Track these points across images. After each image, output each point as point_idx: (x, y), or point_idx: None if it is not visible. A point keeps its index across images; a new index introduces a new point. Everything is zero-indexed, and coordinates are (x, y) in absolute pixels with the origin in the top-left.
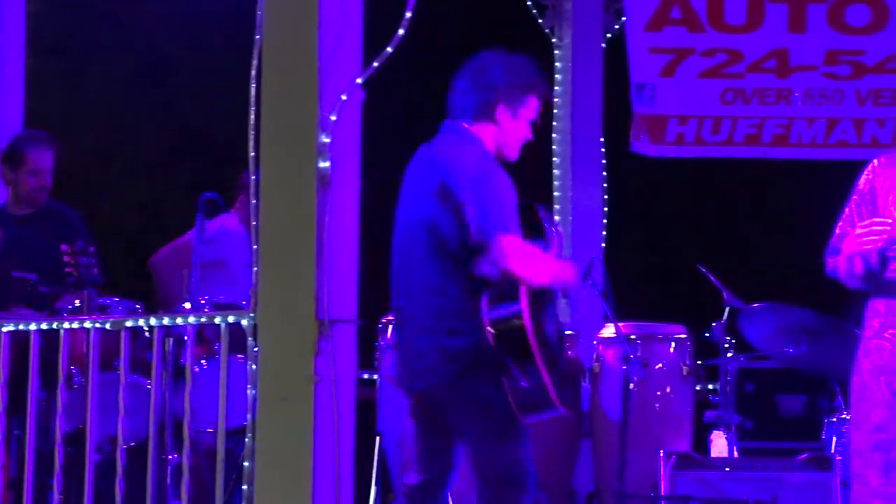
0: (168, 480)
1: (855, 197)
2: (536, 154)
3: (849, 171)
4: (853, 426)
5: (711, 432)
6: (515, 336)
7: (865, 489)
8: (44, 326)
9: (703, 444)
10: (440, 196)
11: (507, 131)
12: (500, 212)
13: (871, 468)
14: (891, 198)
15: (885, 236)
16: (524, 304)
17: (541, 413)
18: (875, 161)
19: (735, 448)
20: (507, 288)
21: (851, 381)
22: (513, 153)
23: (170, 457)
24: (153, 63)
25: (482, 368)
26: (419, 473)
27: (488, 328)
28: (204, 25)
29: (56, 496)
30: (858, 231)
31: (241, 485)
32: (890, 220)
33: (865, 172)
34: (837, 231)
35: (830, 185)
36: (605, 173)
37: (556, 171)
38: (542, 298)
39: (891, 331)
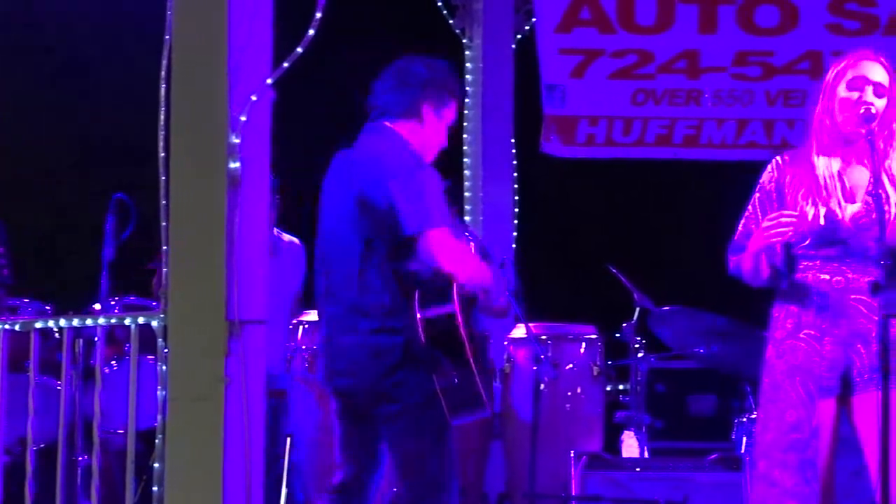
0: (78, 482)
1: (758, 195)
2: (447, 154)
3: (759, 172)
4: (761, 427)
5: (622, 432)
6: (449, 336)
7: (775, 490)
8: None
9: (613, 445)
10: (365, 199)
11: (430, 130)
12: (427, 207)
13: (783, 469)
14: (801, 194)
15: (792, 229)
16: (457, 304)
17: (470, 413)
18: (778, 158)
19: (645, 448)
20: (438, 287)
21: (762, 383)
22: (430, 155)
23: (80, 458)
24: (62, 64)
25: (411, 368)
26: (344, 468)
27: (422, 328)
28: (113, 26)
29: None
30: (765, 224)
31: (151, 486)
32: (797, 213)
33: (769, 170)
34: (740, 229)
35: (741, 186)
36: (515, 174)
37: (466, 172)
38: (469, 300)
39: (805, 331)
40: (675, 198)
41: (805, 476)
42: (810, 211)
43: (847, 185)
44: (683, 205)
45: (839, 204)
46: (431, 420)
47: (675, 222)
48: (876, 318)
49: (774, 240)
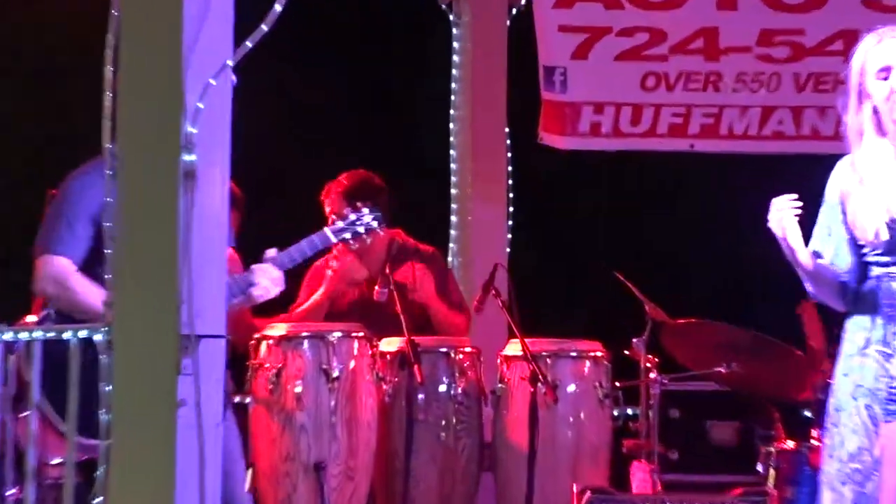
0: None
1: (822, 208)
2: (432, 147)
3: (787, 167)
4: (825, 455)
5: (631, 464)
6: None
7: None
8: None
9: (622, 478)
10: None
11: None
12: (51, 230)
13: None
14: (857, 203)
15: (795, 213)
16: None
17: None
18: (838, 164)
19: (658, 481)
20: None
21: (827, 404)
22: None
23: (10, 492)
24: (44, 67)
25: None
26: None
27: None
28: (96, 28)
29: None
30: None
31: None
32: (794, 196)
33: (830, 180)
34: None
35: (766, 182)
36: (509, 168)
37: (453, 166)
38: None
39: (878, 347)
40: (691, 196)
41: None
42: (872, 225)
43: None
44: (701, 204)
45: None
46: None
47: (691, 224)
48: None
49: (779, 233)
